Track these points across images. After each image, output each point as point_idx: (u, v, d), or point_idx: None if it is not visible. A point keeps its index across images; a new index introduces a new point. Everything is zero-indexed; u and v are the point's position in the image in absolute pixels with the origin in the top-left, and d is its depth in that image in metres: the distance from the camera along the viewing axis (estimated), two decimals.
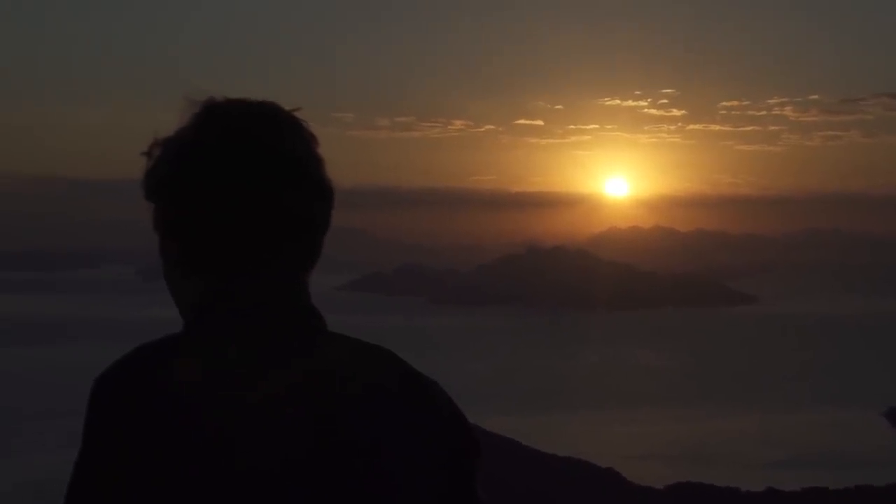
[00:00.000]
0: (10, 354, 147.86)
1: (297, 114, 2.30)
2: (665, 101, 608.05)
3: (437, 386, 2.24)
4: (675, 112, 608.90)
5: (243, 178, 2.21)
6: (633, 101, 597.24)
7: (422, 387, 2.21)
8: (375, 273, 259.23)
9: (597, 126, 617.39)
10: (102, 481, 2.19)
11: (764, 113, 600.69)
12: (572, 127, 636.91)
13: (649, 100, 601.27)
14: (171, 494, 2.13)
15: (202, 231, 2.23)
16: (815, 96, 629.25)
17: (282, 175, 2.23)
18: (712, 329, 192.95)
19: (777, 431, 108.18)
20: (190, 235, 2.25)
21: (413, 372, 2.23)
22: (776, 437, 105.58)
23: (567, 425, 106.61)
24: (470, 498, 2.23)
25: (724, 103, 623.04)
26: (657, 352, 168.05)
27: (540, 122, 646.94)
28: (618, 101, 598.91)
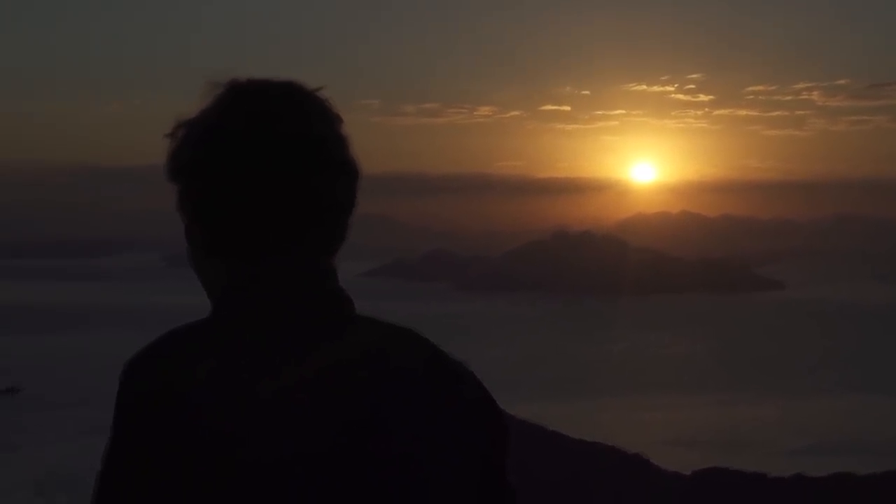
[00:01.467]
0: (33, 342, 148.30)
1: (320, 93, 2.25)
2: (692, 86, 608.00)
3: (465, 367, 2.20)
4: (702, 97, 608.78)
5: (268, 161, 2.17)
6: (660, 86, 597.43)
7: (448, 368, 2.17)
8: (401, 259, 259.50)
9: (623, 111, 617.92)
10: (125, 474, 2.16)
11: (791, 98, 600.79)
12: (599, 112, 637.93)
13: (676, 85, 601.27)
14: (188, 486, 2.10)
15: (226, 214, 2.20)
16: (843, 81, 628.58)
17: (307, 157, 2.19)
18: (739, 315, 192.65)
19: (803, 418, 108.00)
20: (214, 218, 2.21)
21: (440, 353, 2.19)
22: (802, 423, 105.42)
23: (594, 411, 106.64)
24: (499, 482, 2.20)
25: (751, 88, 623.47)
26: (684, 338, 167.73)
27: (567, 108, 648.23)
28: (644, 87, 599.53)
